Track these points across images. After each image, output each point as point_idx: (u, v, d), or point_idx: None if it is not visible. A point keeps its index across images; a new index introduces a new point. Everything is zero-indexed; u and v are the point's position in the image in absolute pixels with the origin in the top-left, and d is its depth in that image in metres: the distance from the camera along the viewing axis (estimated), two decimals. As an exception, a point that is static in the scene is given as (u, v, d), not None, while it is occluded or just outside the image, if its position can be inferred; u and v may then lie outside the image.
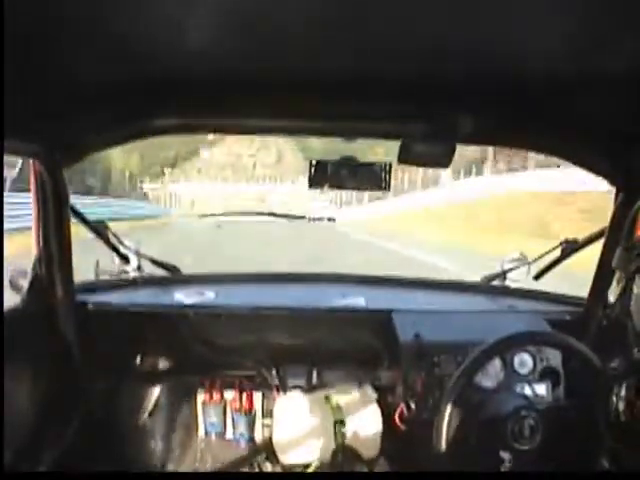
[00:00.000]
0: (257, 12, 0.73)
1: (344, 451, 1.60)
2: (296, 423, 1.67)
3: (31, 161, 1.40)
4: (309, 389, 1.72)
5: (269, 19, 0.75)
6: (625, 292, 1.40)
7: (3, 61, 0.74)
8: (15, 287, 1.49)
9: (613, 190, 1.44)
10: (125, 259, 1.90)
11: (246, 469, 1.71)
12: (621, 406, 1.16)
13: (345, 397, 1.70)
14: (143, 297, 1.85)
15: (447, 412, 1.22)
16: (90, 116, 1.22)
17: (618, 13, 0.67)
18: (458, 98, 1.09)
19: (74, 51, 0.86)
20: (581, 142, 1.27)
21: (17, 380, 1.24)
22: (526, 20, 0.72)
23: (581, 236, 1.70)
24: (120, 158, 34.44)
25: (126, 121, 1.30)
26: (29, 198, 1.46)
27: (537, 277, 1.85)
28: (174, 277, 2.03)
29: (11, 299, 1.45)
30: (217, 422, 1.75)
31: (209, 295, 1.84)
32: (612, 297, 1.55)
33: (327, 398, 1.70)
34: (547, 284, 1.86)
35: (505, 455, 1.22)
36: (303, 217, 2.01)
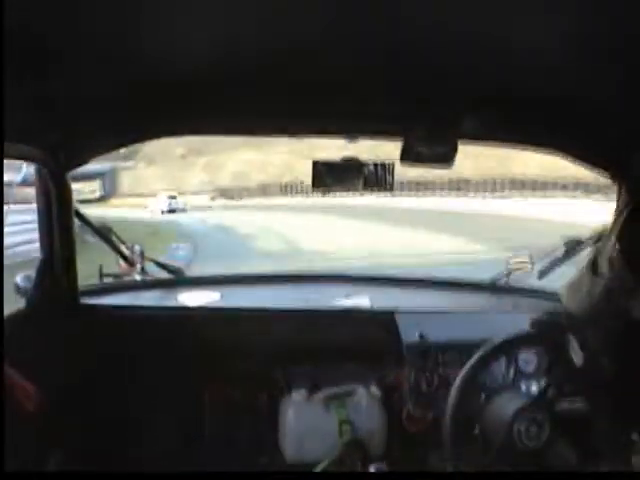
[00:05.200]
0: (257, 13, 0.73)
1: (349, 451, 1.60)
2: (301, 423, 1.67)
3: (35, 165, 1.41)
4: (314, 389, 1.72)
5: (269, 20, 0.75)
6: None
7: (4, 64, 0.75)
8: (20, 290, 1.50)
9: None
10: (129, 262, 1.91)
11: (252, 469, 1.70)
12: None
13: (350, 397, 1.70)
14: (147, 300, 1.85)
15: (452, 412, 1.22)
16: (93, 120, 1.23)
17: (618, 12, 0.67)
18: (459, 97, 1.10)
19: (76, 56, 0.87)
20: (582, 139, 1.26)
21: (21, 382, 1.24)
22: (526, 19, 0.73)
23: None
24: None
25: (128, 124, 1.30)
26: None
27: (541, 276, 1.85)
28: (178, 279, 2.03)
29: (16, 302, 1.46)
30: (222, 423, 1.75)
31: (214, 297, 1.85)
32: None
33: (332, 398, 1.70)
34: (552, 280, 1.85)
35: None
36: None
